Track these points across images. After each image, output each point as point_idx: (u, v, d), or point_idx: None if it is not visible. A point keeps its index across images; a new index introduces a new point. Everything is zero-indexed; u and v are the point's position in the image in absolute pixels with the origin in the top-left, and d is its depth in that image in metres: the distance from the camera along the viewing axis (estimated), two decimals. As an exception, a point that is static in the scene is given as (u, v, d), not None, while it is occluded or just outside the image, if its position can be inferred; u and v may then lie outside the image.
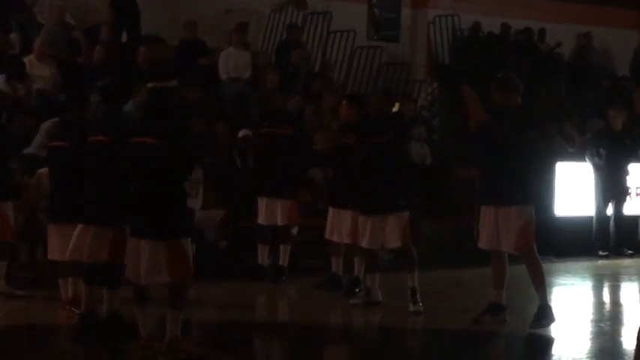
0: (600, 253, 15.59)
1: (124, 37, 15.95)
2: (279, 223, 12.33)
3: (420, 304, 10.57)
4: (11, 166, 11.02)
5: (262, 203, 12.41)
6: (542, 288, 9.78)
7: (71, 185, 9.50)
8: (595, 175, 15.68)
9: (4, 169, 10.72)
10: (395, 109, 14.13)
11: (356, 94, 15.35)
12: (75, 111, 9.93)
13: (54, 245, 9.81)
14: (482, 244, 9.86)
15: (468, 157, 14.55)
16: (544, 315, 9.72)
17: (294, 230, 12.87)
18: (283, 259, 12.46)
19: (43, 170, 10.98)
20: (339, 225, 11.50)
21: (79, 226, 9.10)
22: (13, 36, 14.96)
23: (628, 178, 15.93)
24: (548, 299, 9.86)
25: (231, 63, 16.22)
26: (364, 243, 10.71)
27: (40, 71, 14.39)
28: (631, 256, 15.80)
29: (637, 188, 16.31)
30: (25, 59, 14.44)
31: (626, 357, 8.78)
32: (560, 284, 12.93)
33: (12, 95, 13.40)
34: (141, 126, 8.35)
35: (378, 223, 10.58)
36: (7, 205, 10.69)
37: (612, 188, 15.69)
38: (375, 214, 10.59)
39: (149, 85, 8.30)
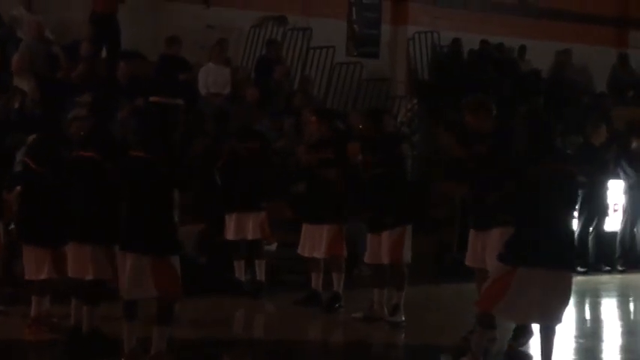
0: (579, 269, 15.60)
1: (104, 53, 15.90)
2: (250, 237, 12.22)
3: (403, 318, 10.61)
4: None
5: (231, 219, 12.30)
6: None
7: (39, 207, 9.34)
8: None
9: None
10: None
11: (323, 108, 15.33)
12: (48, 127, 9.86)
13: (30, 265, 9.67)
14: (468, 261, 9.82)
15: (448, 174, 14.50)
16: (523, 333, 9.71)
17: (274, 246, 12.82)
18: (260, 274, 12.42)
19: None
20: (311, 240, 11.53)
21: (71, 244, 9.01)
22: (-8, 51, 14.91)
23: (608, 194, 15.95)
24: None
25: (211, 79, 16.19)
26: (365, 258, 11.01)
27: (18, 86, 14.31)
28: (608, 272, 15.83)
29: (615, 205, 16.33)
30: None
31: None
32: (540, 300, 12.90)
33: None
34: (140, 140, 8.24)
35: (374, 239, 10.81)
36: None
37: (592, 205, 15.70)
38: (370, 231, 10.89)
39: (152, 99, 8.24)
